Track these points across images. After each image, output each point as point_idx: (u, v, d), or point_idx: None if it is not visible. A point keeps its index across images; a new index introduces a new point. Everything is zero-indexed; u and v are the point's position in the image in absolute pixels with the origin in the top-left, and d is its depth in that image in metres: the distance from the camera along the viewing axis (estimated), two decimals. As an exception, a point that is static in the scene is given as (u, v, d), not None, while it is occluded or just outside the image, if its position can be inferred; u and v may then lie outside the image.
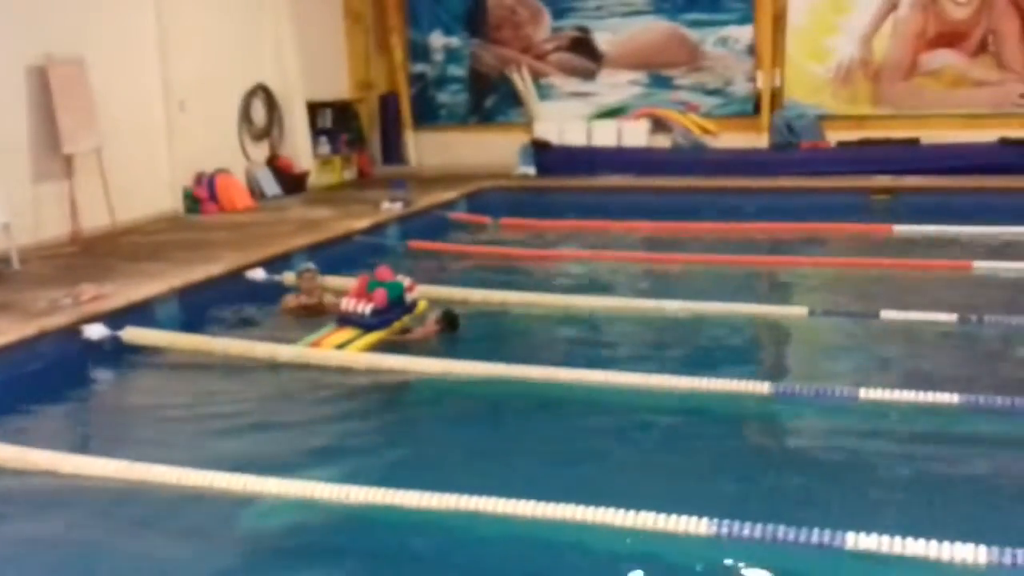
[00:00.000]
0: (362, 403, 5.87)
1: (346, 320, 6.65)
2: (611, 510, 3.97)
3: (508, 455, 5.03)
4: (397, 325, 6.77)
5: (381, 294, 6.59)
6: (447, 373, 6.01)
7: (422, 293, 7.59)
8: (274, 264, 8.35)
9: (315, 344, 6.41)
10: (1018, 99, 13.73)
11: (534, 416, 5.64)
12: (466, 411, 5.76)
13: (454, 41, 16.06)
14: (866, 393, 5.32)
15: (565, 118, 15.31)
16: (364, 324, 6.59)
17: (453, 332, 6.75)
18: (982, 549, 3.60)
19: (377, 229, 10.40)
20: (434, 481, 4.31)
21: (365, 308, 6.57)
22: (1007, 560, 3.56)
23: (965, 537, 3.66)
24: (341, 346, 6.33)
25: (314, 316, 7.39)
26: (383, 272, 6.89)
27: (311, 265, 7.77)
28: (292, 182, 13.10)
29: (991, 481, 4.51)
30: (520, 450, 5.10)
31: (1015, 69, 13.69)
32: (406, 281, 6.93)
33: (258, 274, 8.18)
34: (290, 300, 7.58)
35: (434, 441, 5.33)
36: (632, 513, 3.94)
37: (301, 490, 4.38)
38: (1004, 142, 12.83)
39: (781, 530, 3.77)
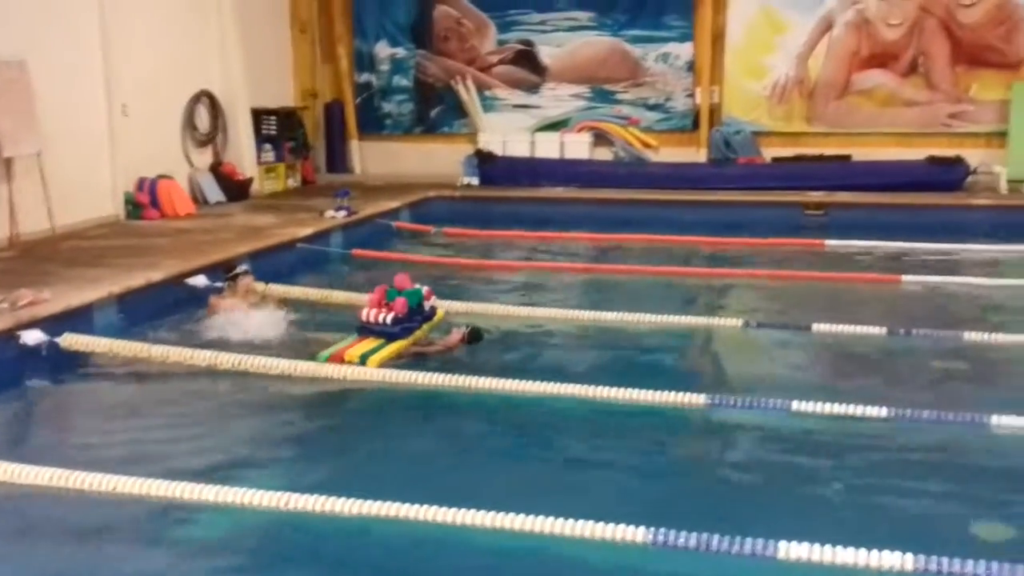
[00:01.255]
0: (302, 411, 5.90)
1: (367, 330, 6.60)
2: (550, 519, 4.05)
3: (446, 465, 5.09)
4: (419, 334, 6.76)
5: (402, 303, 6.56)
6: (385, 382, 6.07)
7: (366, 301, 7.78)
8: (216, 271, 8.31)
9: (337, 355, 6.35)
10: (946, 119, 14.19)
11: (472, 426, 5.72)
12: (403, 420, 5.80)
13: (400, 52, 16.12)
14: (798, 405, 5.49)
15: (509, 130, 15.47)
16: (386, 333, 6.54)
17: (476, 345, 6.79)
18: (908, 556, 3.75)
19: (321, 237, 10.39)
20: (371, 489, 4.36)
21: (387, 317, 6.54)
22: (932, 567, 3.71)
23: (893, 545, 3.80)
24: (364, 356, 6.29)
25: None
26: (401, 280, 6.82)
27: (246, 267, 7.78)
28: (235, 189, 13.03)
29: (917, 490, 4.67)
30: (458, 459, 5.17)
31: (943, 90, 14.15)
32: (424, 289, 6.90)
33: (199, 281, 8.14)
34: (216, 301, 7.59)
35: (372, 449, 5.35)
36: (570, 522, 4.02)
37: (237, 497, 4.39)
38: (932, 160, 13.22)
39: (715, 539, 3.88)
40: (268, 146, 14.28)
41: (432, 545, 4.16)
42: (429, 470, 4.99)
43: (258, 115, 14.08)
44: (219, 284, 7.96)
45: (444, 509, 4.17)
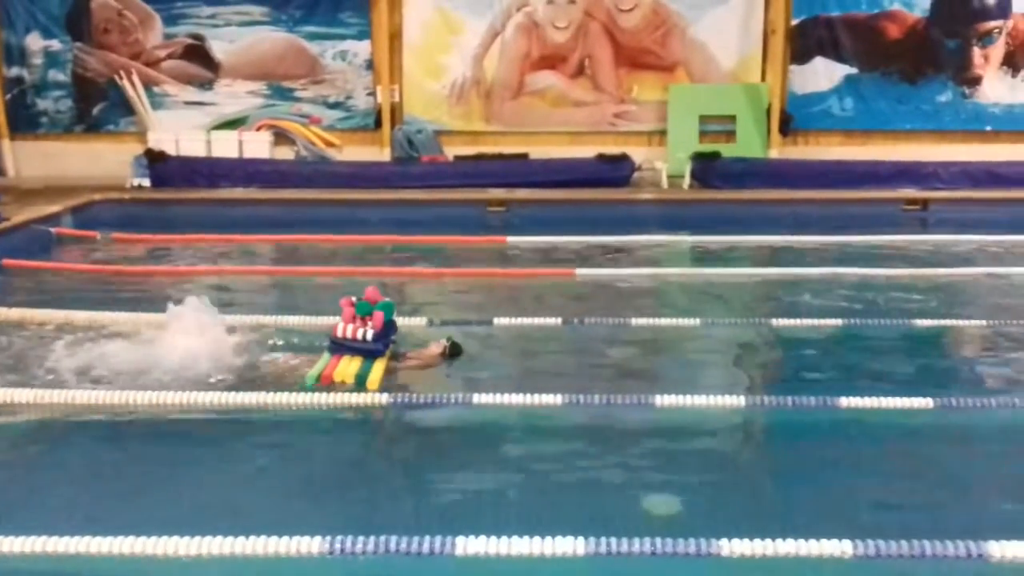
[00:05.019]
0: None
1: (342, 347, 5.99)
2: (217, 538, 3.83)
3: (105, 489, 4.69)
4: (391, 349, 6.19)
5: (379, 316, 5.97)
6: (53, 403, 5.51)
7: (20, 317, 7.16)
8: None
9: (326, 377, 5.77)
10: (612, 118, 15.12)
11: (132, 443, 5.31)
12: (55, 442, 5.33)
13: (55, 44, 14.91)
14: (479, 398, 5.56)
15: (182, 128, 14.75)
16: (365, 351, 5.95)
17: (455, 359, 6.34)
18: (580, 540, 3.84)
19: (-36, 247, 9.36)
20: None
21: (366, 333, 5.93)
22: (603, 549, 3.83)
23: (567, 531, 3.88)
24: (359, 376, 5.75)
25: None
26: (371, 293, 6.20)
27: None
28: None
29: (590, 474, 4.82)
30: (115, 483, 4.78)
31: (608, 91, 15.06)
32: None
33: None
34: None
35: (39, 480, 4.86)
36: (240, 539, 3.83)
37: None
38: (601, 158, 13.99)
39: (394, 541, 3.82)
40: (-100, 147, 12.74)
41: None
42: (81, 496, 4.57)
43: None
44: None
45: (97, 539, 3.84)
